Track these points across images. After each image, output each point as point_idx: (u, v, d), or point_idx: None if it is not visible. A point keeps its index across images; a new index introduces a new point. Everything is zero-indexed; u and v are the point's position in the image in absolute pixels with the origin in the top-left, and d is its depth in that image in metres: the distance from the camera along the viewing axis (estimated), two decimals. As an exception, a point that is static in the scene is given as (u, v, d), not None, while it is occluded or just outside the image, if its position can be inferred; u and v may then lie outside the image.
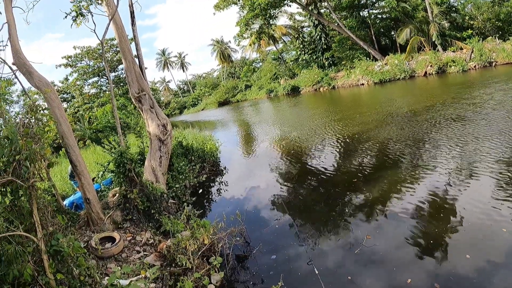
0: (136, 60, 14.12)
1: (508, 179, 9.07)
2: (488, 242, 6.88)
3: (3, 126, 6.45)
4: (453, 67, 35.54)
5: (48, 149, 6.41)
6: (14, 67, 10.34)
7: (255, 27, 58.15)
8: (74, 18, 12.88)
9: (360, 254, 7.39)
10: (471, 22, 41.25)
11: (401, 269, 6.61)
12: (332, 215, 9.64)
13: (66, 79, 56.79)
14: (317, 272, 7.00)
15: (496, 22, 40.43)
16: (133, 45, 14.70)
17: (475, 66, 33.98)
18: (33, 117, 6.49)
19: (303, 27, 68.79)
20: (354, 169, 12.89)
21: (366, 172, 12.27)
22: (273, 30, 67.34)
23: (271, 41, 73.85)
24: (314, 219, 9.76)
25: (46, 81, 9.68)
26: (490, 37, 37.89)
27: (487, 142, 11.94)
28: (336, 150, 16.02)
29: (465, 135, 13.28)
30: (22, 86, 14.32)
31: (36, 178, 5.95)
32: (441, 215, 8.26)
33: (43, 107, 6.94)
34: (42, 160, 6.25)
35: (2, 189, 5.87)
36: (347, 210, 9.70)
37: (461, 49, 37.62)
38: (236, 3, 53.34)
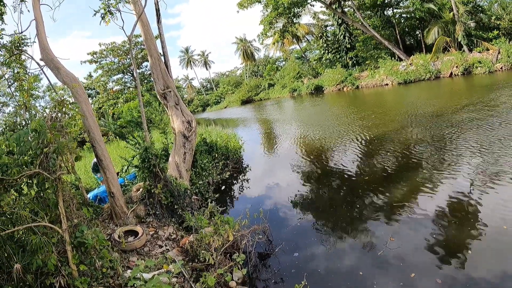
0: (162, 57, 14.19)
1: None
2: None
3: (29, 120, 6.54)
4: (479, 68, 34.76)
5: (74, 143, 6.48)
6: (42, 63, 10.50)
7: (279, 26, 57.92)
8: (102, 16, 12.99)
9: (383, 256, 7.26)
10: (498, 23, 40.11)
11: (424, 270, 6.48)
12: (355, 215, 9.51)
13: (90, 75, 57.88)
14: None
15: (523, 23, 39.37)
16: (158, 43, 14.76)
17: (501, 68, 33.15)
18: (60, 112, 6.56)
19: (326, 26, 68.23)
20: (375, 170, 12.71)
21: (387, 174, 12.08)
22: (297, 29, 67.04)
23: (294, 40, 73.68)
24: (337, 219, 9.66)
25: (73, 76, 9.78)
26: (517, 38, 37.00)
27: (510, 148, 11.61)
28: (357, 151, 15.85)
29: (488, 139, 12.90)
30: (49, 81, 14.60)
31: (63, 170, 6.02)
32: (462, 218, 8.10)
33: (70, 102, 7.03)
34: (69, 153, 6.31)
35: (29, 181, 5.95)
36: (369, 211, 9.55)
37: (488, 50, 36.77)
38: (259, 1, 52.98)
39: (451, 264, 6.57)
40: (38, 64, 11.52)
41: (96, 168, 13.25)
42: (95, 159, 12.55)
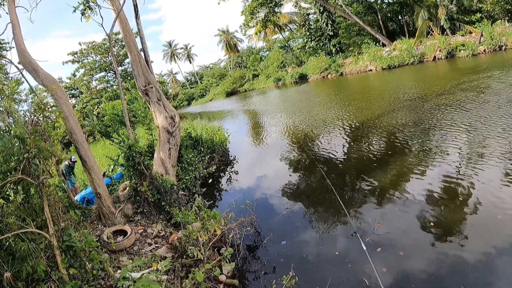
0: (142, 53, 14.12)
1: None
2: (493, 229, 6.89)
3: (12, 125, 6.49)
4: (462, 51, 34.96)
5: (58, 146, 6.46)
6: (21, 66, 10.38)
7: (261, 16, 57.64)
8: (82, 12, 12.88)
9: (371, 242, 7.35)
10: (480, 5, 40.27)
11: (412, 254, 6.62)
12: (342, 203, 9.61)
13: (74, 75, 57.29)
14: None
15: (505, 5, 39.42)
16: (138, 39, 14.67)
17: (484, 50, 33.33)
18: (41, 115, 6.53)
19: (309, 14, 67.99)
20: (362, 156, 12.83)
21: (374, 160, 12.19)
22: (278, 18, 66.78)
23: (277, 29, 73.40)
24: (324, 207, 9.76)
25: (53, 78, 9.70)
26: (499, 20, 37.14)
27: (496, 128, 11.73)
28: (344, 138, 15.94)
29: (474, 121, 13.03)
30: (29, 85, 14.35)
31: (46, 175, 6.01)
32: (449, 200, 8.24)
33: (51, 104, 6.99)
34: (52, 157, 6.29)
35: (14, 187, 5.93)
36: (356, 198, 9.68)
37: (470, 33, 36.99)
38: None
39: (433, 245, 6.73)
40: (17, 67, 11.37)
41: (63, 173, 13.18)
42: (65, 162, 12.55)
